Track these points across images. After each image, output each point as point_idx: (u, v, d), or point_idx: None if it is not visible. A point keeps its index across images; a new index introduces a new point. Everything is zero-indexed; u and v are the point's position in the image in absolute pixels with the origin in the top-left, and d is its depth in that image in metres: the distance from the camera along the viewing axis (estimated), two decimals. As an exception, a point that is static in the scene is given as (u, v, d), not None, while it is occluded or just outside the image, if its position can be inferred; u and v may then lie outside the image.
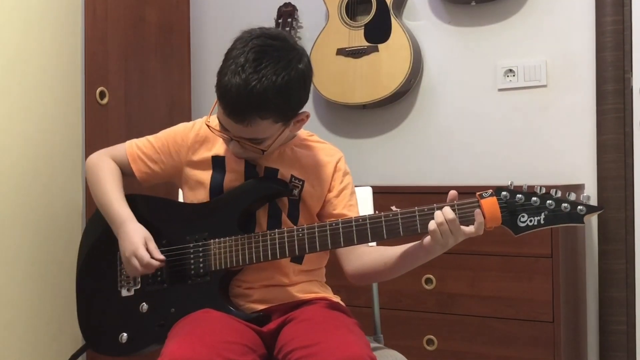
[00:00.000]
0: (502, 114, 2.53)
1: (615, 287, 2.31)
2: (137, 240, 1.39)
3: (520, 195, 1.24)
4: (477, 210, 1.25)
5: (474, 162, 2.56)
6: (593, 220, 2.39)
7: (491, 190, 1.26)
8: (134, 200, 1.51)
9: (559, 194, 1.23)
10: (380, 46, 2.52)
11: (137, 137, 1.56)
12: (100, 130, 2.22)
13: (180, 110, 2.64)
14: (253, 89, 1.26)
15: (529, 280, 2.05)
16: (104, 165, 1.52)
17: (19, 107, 1.92)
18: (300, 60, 1.33)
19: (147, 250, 1.39)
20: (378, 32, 2.53)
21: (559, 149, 2.44)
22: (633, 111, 2.30)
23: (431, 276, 2.17)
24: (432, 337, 2.17)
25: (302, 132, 1.54)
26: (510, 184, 1.26)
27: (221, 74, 1.31)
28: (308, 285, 1.48)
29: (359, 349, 1.22)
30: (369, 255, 1.43)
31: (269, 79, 1.27)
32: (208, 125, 1.42)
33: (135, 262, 1.38)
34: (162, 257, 1.40)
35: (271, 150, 1.42)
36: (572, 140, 2.42)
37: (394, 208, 1.31)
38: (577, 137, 2.42)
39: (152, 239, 1.41)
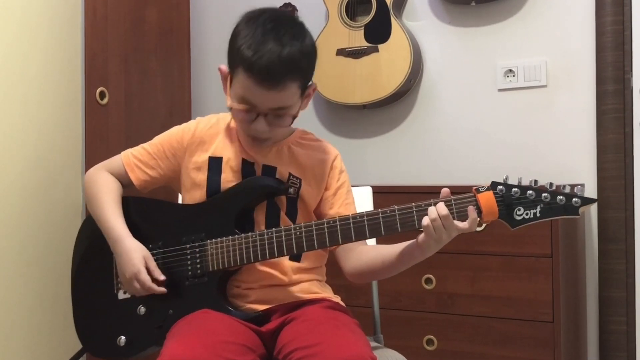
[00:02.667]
0: (502, 114, 2.53)
1: (615, 287, 2.31)
2: (137, 262, 1.38)
3: (516, 189, 1.25)
4: (470, 207, 1.25)
5: (474, 162, 2.56)
6: (593, 219, 2.39)
7: (487, 185, 1.27)
8: (128, 203, 1.50)
9: (554, 186, 1.24)
10: (380, 46, 2.52)
11: (137, 137, 1.56)
12: (100, 130, 2.22)
13: (180, 110, 2.64)
14: (283, 52, 1.31)
15: (529, 280, 2.05)
16: (100, 180, 1.51)
17: (19, 107, 1.92)
18: (307, 30, 1.41)
19: (148, 269, 1.39)
20: (378, 33, 2.53)
21: (559, 149, 2.44)
22: (633, 111, 2.30)
23: (431, 276, 2.17)
24: (432, 337, 2.17)
25: (298, 131, 1.54)
26: (506, 178, 1.26)
27: (241, 49, 1.32)
28: (308, 286, 1.47)
29: (360, 349, 1.22)
30: (367, 254, 1.43)
31: (293, 42, 1.33)
32: (232, 108, 1.39)
33: (137, 285, 1.39)
34: (162, 277, 1.40)
35: (283, 134, 1.47)
36: (572, 140, 2.43)
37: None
38: (577, 137, 2.42)
39: (151, 257, 1.41)
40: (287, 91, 1.33)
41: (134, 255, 1.39)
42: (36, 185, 1.97)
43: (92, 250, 1.54)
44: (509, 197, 1.25)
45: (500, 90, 2.54)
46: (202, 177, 1.47)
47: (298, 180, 1.47)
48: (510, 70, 2.51)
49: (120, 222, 1.44)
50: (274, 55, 1.30)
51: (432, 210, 1.26)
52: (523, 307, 2.05)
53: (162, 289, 1.39)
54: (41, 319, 1.99)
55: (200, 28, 3.01)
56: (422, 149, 2.66)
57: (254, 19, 1.37)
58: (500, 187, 1.26)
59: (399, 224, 1.30)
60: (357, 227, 1.32)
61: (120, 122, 2.31)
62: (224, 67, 1.42)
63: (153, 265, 1.40)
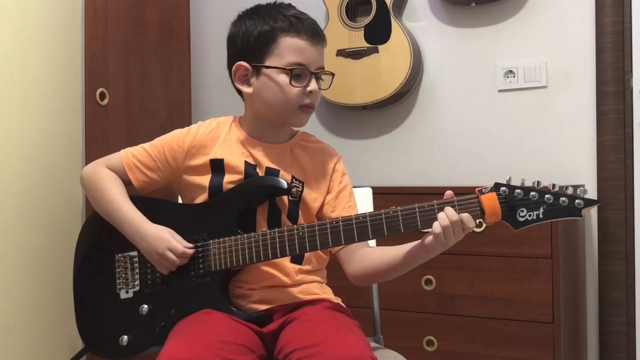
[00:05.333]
0: (502, 114, 2.53)
1: (615, 288, 2.31)
2: (165, 235, 1.40)
3: (519, 191, 1.25)
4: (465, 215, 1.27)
5: (474, 162, 2.56)
6: (593, 220, 2.39)
7: (490, 186, 1.27)
8: (131, 202, 1.50)
9: (557, 188, 1.24)
10: (380, 47, 2.52)
11: (137, 137, 1.56)
12: (100, 130, 2.21)
13: (180, 110, 2.64)
14: (309, 15, 1.46)
15: (528, 281, 2.05)
16: (103, 174, 1.50)
17: (19, 107, 1.92)
18: None
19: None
20: (378, 33, 2.53)
21: (559, 150, 2.44)
22: (633, 112, 2.30)
23: (431, 277, 2.17)
24: (432, 337, 2.17)
25: (300, 132, 1.55)
26: (509, 179, 1.26)
27: (276, 23, 1.41)
28: (309, 287, 1.48)
29: (361, 349, 1.22)
30: (370, 257, 1.43)
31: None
32: (291, 70, 1.40)
33: (171, 255, 1.38)
34: (190, 244, 1.41)
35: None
36: (572, 141, 2.43)
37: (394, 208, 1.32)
38: (576, 137, 2.42)
39: (175, 232, 1.42)
40: (325, 48, 1.47)
41: (161, 231, 1.41)
42: (36, 185, 1.97)
43: (94, 250, 1.54)
44: (512, 198, 1.25)
45: (500, 91, 2.54)
46: (204, 179, 1.47)
47: (301, 184, 1.47)
48: (510, 71, 2.51)
49: (135, 210, 1.45)
50: (307, 16, 1.44)
51: (442, 217, 1.25)
52: (523, 308, 2.05)
53: (192, 251, 1.41)
54: (42, 318, 1.98)
55: (200, 28, 3.01)
56: (422, 150, 2.66)
57: (253, 9, 1.46)
58: (503, 188, 1.26)
59: (401, 225, 1.29)
60: (360, 228, 1.32)
61: (120, 122, 2.31)
62: (243, 63, 1.43)
63: (178, 237, 1.41)
